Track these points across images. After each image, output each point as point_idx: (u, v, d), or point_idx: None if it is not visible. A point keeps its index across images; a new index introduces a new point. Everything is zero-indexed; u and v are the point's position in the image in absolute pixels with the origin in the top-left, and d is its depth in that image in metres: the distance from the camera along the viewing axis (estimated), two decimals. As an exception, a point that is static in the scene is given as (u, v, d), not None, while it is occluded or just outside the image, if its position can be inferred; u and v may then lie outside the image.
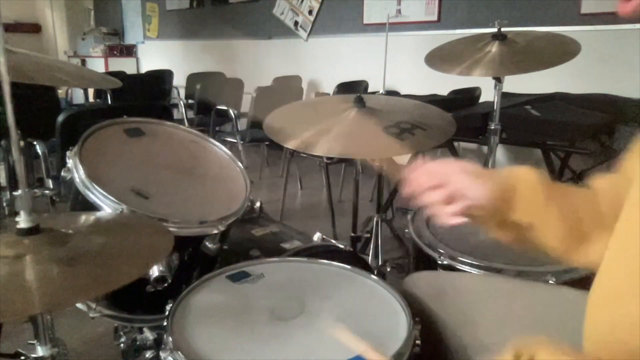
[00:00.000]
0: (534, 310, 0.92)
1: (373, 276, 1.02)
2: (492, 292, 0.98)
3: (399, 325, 0.85)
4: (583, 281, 1.03)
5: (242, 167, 1.32)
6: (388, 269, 2.05)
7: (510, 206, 0.73)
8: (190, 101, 4.64)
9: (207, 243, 1.10)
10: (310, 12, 5.01)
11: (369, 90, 4.17)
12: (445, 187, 0.74)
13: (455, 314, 0.95)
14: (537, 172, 0.75)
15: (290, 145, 1.26)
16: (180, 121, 4.30)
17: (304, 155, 2.73)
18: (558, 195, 0.73)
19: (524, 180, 0.74)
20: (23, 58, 1.20)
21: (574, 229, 0.72)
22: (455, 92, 3.40)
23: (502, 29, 1.74)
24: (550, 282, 1.11)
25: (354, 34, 4.67)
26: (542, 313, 0.91)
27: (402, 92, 3.85)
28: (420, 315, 0.89)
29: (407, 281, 1.06)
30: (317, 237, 1.39)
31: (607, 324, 0.58)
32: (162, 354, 0.81)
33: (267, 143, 3.98)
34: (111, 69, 6.76)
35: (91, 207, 1.03)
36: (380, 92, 2.77)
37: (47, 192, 2.01)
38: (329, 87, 4.51)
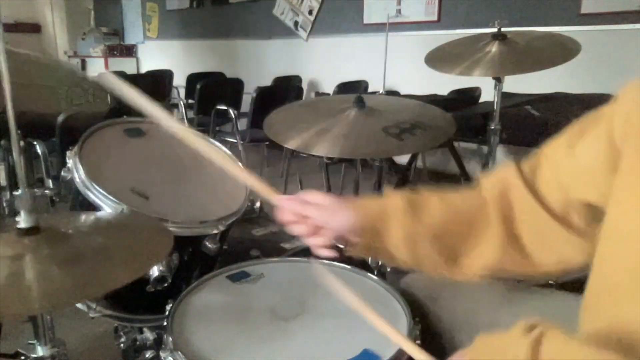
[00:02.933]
0: (532, 314, 0.92)
1: (373, 276, 1.02)
2: (491, 294, 0.97)
3: (399, 325, 0.85)
4: (583, 282, 1.03)
5: (242, 167, 1.31)
6: (388, 269, 2.05)
7: (377, 234, 0.74)
8: (190, 101, 4.64)
9: (207, 243, 1.10)
10: (310, 12, 5.01)
11: (369, 90, 4.17)
12: (306, 221, 0.76)
13: (453, 314, 0.95)
14: (403, 197, 0.75)
15: (290, 145, 1.26)
16: (180, 121, 4.29)
17: (304, 155, 2.73)
18: (428, 218, 0.73)
19: (391, 207, 0.75)
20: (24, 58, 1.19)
21: (444, 250, 0.73)
22: (455, 92, 3.40)
23: (502, 29, 1.75)
24: (550, 282, 1.11)
25: (354, 34, 4.67)
26: (540, 316, 0.91)
27: (402, 92, 3.85)
28: (419, 315, 0.89)
29: (403, 282, 1.06)
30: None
31: (604, 324, 0.57)
32: (162, 354, 0.81)
33: (267, 143, 3.98)
34: (111, 69, 6.76)
35: (91, 207, 1.03)
36: (380, 92, 2.77)
37: (47, 192, 2.01)
38: (329, 87, 4.50)
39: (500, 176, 0.75)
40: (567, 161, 0.67)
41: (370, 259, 1.70)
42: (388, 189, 0.78)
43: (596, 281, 0.62)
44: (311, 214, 0.76)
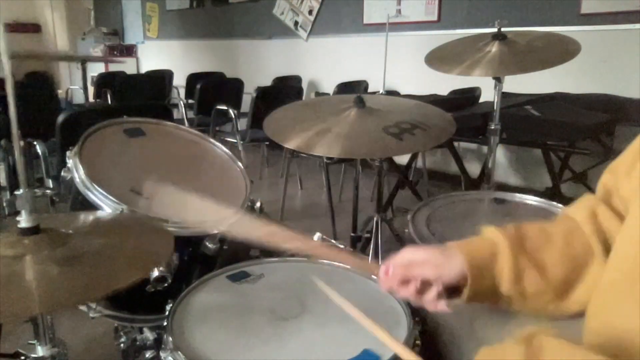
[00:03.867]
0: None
1: (373, 276, 1.02)
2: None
3: (399, 325, 0.85)
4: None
5: (242, 167, 1.32)
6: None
7: (487, 273, 0.72)
8: (190, 101, 4.64)
9: (207, 243, 1.10)
10: (310, 12, 5.01)
11: (369, 90, 4.17)
12: (413, 280, 0.74)
13: (453, 315, 0.95)
14: (503, 230, 0.73)
15: (290, 145, 1.26)
16: (180, 121, 4.30)
17: (304, 155, 2.73)
18: (530, 246, 0.72)
19: (497, 242, 0.72)
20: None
21: (551, 282, 0.71)
22: (455, 92, 3.40)
23: (502, 29, 1.75)
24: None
25: (354, 34, 4.67)
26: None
27: (402, 92, 3.85)
28: (419, 315, 0.89)
29: None
30: (317, 237, 1.38)
31: (606, 329, 0.58)
32: (162, 354, 0.81)
33: (267, 143, 3.98)
34: (111, 69, 6.77)
35: (91, 207, 1.03)
36: (380, 92, 2.77)
37: (47, 192, 2.01)
38: (329, 87, 4.51)
39: (584, 208, 0.73)
40: (627, 182, 0.67)
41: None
42: (486, 227, 0.75)
43: (602, 281, 0.62)
44: (418, 273, 0.73)
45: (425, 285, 0.74)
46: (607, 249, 0.69)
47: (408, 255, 0.76)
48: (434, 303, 0.73)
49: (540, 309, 0.73)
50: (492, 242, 0.72)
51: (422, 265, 0.74)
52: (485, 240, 0.74)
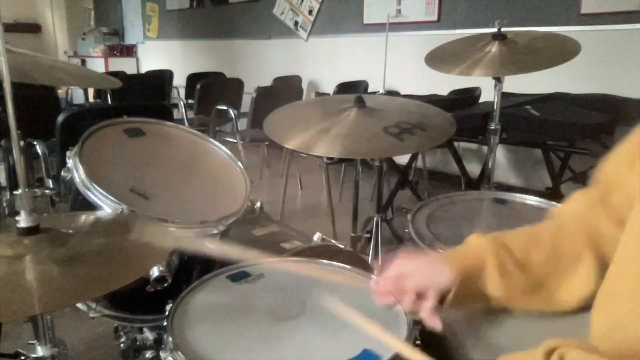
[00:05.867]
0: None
1: (373, 276, 1.02)
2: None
3: (399, 325, 0.85)
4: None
5: (242, 167, 1.32)
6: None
7: (476, 278, 0.74)
8: (190, 101, 4.64)
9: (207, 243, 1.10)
10: (310, 12, 5.01)
11: (369, 90, 4.18)
12: (409, 288, 0.76)
13: (453, 314, 0.95)
14: (487, 237, 0.76)
15: (290, 145, 1.26)
16: (180, 121, 4.30)
17: (304, 155, 2.73)
18: (514, 247, 0.74)
19: (482, 249, 0.75)
20: (23, 58, 1.20)
21: (535, 281, 0.73)
22: (455, 92, 3.40)
23: (502, 29, 1.75)
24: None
25: (354, 34, 4.67)
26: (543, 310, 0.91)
27: (402, 92, 3.85)
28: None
29: None
30: (317, 237, 1.38)
31: (612, 321, 0.58)
32: (162, 354, 0.81)
33: (267, 143, 3.99)
34: (111, 69, 6.77)
35: (91, 207, 1.03)
36: (380, 92, 2.77)
37: (47, 192, 2.01)
38: (329, 87, 4.51)
39: (574, 209, 0.75)
40: (633, 177, 0.69)
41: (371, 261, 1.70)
42: (472, 235, 0.78)
43: (607, 282, 0.62)
44: (410, 285, 0.76)
45: (420, 297, 0.76)
46: (596, 250, 0.71)
47: (398, 267, 0.78)
48: (429, 316, 0.75)
49: (528, 306, 0.76)
50: (477, 248, 0.75)
51: (411, 277, 0.76)
52: (471, 248, 0.76)
